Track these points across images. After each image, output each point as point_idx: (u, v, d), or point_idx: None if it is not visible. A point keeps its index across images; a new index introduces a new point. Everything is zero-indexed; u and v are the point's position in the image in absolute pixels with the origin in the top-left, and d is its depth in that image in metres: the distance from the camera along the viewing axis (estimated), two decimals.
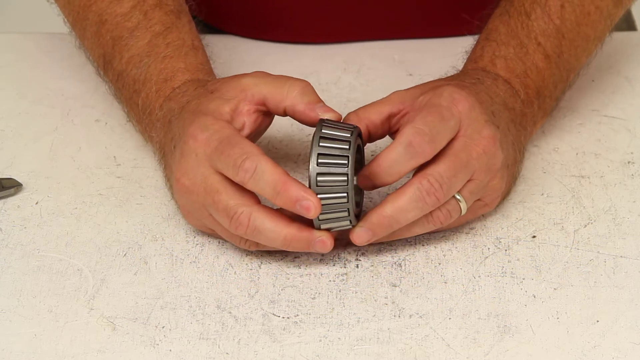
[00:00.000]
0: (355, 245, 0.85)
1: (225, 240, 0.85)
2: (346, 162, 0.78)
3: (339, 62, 1.04)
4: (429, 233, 0.85)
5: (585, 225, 0.87)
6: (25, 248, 0.86)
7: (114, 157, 0.94)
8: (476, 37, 0.93)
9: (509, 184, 0.86)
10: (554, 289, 0.82)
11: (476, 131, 0.81)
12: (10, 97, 1.01)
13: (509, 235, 0.86)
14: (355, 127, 0.80)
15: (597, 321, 0.79)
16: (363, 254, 0.84)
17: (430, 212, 0.81)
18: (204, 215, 0.82)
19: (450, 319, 0.79)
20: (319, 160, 0.78)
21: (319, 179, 0.78)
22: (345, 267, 0.83)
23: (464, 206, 0.81)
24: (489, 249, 0.85)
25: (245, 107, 0.82)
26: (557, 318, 0.79)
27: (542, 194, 0.89)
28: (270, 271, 0.83)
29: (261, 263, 0.84)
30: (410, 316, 0.80)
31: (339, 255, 0.84)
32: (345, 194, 0.78)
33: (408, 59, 1.05)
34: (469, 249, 0.85)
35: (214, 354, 0.77)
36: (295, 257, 0.84)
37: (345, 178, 0.78)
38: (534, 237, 0.86)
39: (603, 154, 0.93)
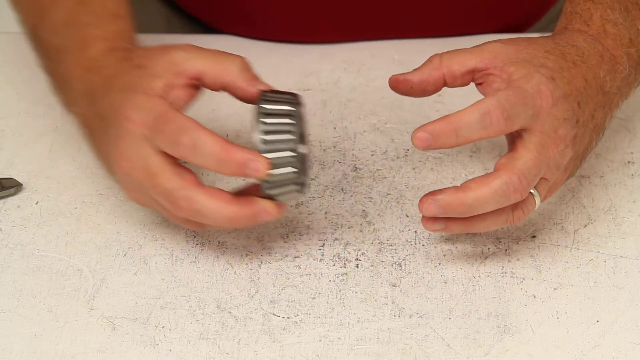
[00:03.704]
0: (356, 245, 0.85)
1: (225, 240, 0.85)
2: (293, 129, 0.76)
3: (339, 62, 1.04)
4: (430, 233, 0.86)
5: (585, 225, 0.87)
6: (25, 248, 0.86)
7: None
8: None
9: (572, 172, 0.84)
10: (554, 289, 0.82)
11: (553, 129, 0.78)
12: (10, 97, 1.01)
13: (509, 235, 0.86)
14: (297, 95, 0.79)
15: (597, 321, 0.79)
16: (363, 254, 0.84)
17: (512, 212, 0.79)
18: (146, 196, 0.80)
19: (450, 319, 0.79)
20: (264, 137, 0.76)
21: (267, 155, 0.76)
22: (345, 267, 0.83)
23: (538, 201, 0.80)
24: (489, 249, 0.85)
25: (178, 82, 0.80)
26: (557, 318, 0.79)
27: None
28: (270, 271, 0.83)
29: (261, 263, 0.84)
30: (410, 316, 0.80)
31: (339, 255, 0.84)
32: (295, 168, 0.77)
33: (408, 59, 1.05)
34: (469, 249, 0.85)
35: (214, 354, 0.77)
36: (295, 257, 0.84)
37: (294, 152, 0.76)
38: (534, 237, 0.86)
39: (603, 154, 0.93)
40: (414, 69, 0.82)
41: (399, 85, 0.82)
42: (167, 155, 0.78)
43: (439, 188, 0.85)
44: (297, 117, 0.77)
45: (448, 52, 0.81)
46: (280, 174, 0.77)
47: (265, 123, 0.77)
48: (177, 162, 0.78)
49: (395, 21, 1.06)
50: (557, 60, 0.81)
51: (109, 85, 0.81)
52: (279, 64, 1.04)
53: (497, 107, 0.76)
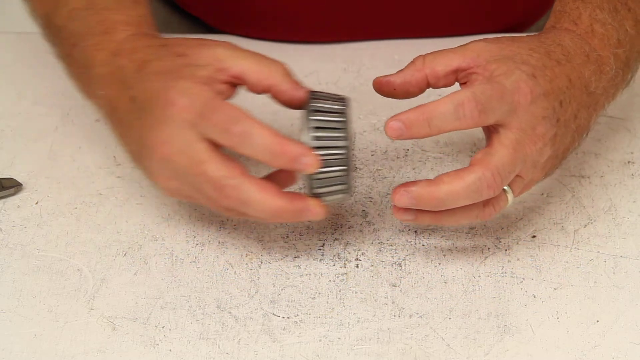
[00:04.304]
0: (356, 245, 0.85)
1: (225, 240, 0.85)
2: (344, 134, 0.77)
3: (339, 62, 1.04)
4: (429, 233, 0.85)
5: (585, 225, 0.87)
6: (25, 248, 0.86)
7: (114, 157, 0.94)
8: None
9: (550, 170, 0.84)
10: (554, 289, 0.82)
11: (530, 127, 0.78)
12: (10, 97, 1.01)
13: (509, 235, 0.86)
14: (345, 97, 0.79)
15: (597, 321, 0.79)
16: (363, 254, 0.84)
17: (483, 208, 0.79)
18: (184, 183, 0.79)
19: (450, 319, 0.80)
20: (315, 134, 0.76)
21: (318, 152, 0.76)
22: (345, 267, 0.83)
23: (510, 198, 0.80)
24: (489, 249, 0.85)
25: (220, 77, 0.79)
26: (557, 318, 0.79)
27: (542, 194, 0.89)
28: (270, 271, 0.83)
29: (261, 263, 0.84)
30: (410, 316, 0.80)
31: (339, 255, 0.84)
32: (345, 167, 0.77)
33: (408, 59, 1.04)
34: (469, 249, 0.85)
35: (214, 354, 0.77)
36: (295, 257, 0.84)
37: (345, 151, 0.76)
38: (534, 237, 0.86)
39: (603, 154, 0.93)
40: (398, 71, 0.82)
41: (382, 87, 0.82)
42: (212, 143, 0.76)
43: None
44: (346, 116, 0.77)
45: (432, 52, 0.81)
46: (329, 171, 0.77)
47: (316, 120, 0.77)
48: (222, 151, 0.77)
49: (395, 21, 1.06)
50: (541, 58, 0.80)
51: (144, 70, 0.80)
52: None
53: (471, 99, 0.76)
